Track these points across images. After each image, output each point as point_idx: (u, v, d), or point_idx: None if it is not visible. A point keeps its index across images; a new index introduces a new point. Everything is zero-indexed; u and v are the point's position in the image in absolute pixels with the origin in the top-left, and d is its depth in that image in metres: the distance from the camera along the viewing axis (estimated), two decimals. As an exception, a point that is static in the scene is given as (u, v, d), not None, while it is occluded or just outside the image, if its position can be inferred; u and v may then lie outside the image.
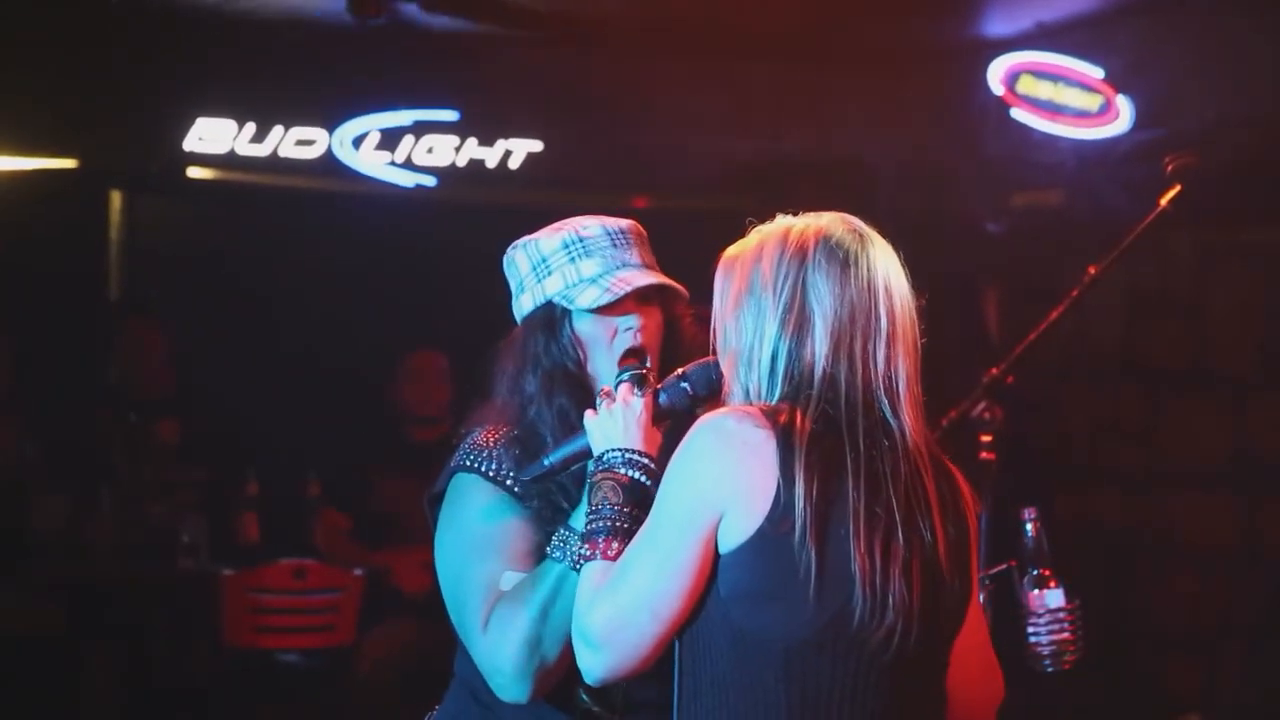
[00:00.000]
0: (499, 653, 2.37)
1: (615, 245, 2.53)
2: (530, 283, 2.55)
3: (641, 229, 2.60)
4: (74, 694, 5.59)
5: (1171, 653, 6.26)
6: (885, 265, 2.21)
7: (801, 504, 2.08)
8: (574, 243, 2.52)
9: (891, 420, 2.16)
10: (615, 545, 2.20)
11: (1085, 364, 6.55)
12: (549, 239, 2.54)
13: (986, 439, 3.58)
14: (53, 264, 6.70)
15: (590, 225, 2.55)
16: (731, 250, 2.28)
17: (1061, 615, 3.14)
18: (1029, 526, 3.23)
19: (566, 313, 2.52)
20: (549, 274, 2.52)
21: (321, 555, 5.79)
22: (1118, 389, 6.52)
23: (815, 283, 2.18)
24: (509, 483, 2.48)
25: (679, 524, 2.13)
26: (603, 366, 2.52)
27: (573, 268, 2.51)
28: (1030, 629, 3.18)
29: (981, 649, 2.37)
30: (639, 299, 2.51)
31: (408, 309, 6.84)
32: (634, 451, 2.28)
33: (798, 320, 2.18)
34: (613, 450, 2.30)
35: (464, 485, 2.52)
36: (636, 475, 2.26)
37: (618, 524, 2.23)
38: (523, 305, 2.57)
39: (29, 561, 5.62)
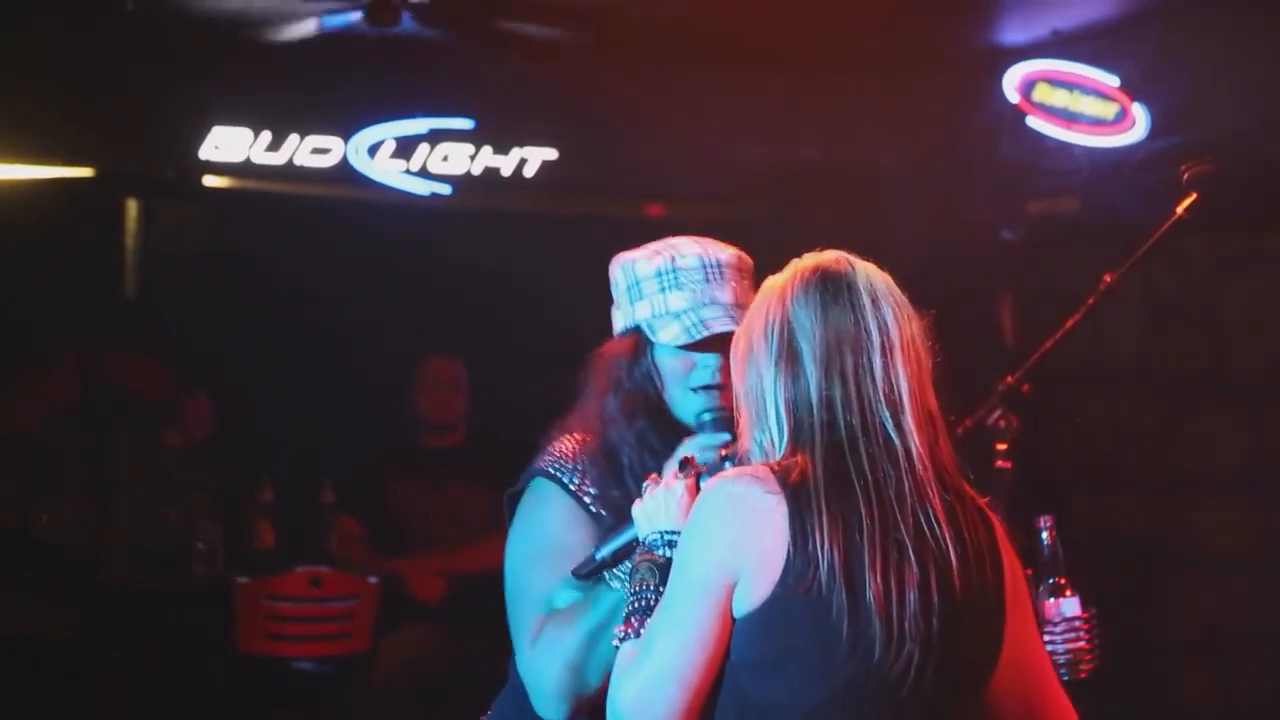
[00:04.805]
0: (543, 672, 2.40)
1: (708, 280, 2.54)
2: (623, 302, 2.58)
3: (745, 260, 2.59)
4: (87, 701, 5.59)
5: (1189, 661, 6.23)
6: (870, 283, 2.22)
7: (825, 567, 2.07)
8: (667, 272, 2.54)
9: (894, 436, 2.16)
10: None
11: (1102, 372, 6.53)
12: (646, 262, 2.56)
13: (1002, 447, 3.58)
14: (69, 272, 6.71)
15: (688, 254, 2.56)
16: (740, 326, 2.30)
17: (1077, 624, 3.13)
18: (1044, 535, 3.22)
19: (650, 341, 2.54)
20: (640, 298, 2.55)
21: (336, 562, 5.79)
22: (1135, 397, 6.50)
23: (797, 317, 2.19)
24: (587, 500, 2.50)
25: (693, 592, 2.13)
26: (678, 399, 2.54)
27: (661, 298, 2.53)
28: (1046, 638, 3.16)
29: (1042, 683, 2.36)
30: (721, 338, 2.50)
31: (423, 316, 6.83)
32: (673, 533, 2.27)
33: (789, 357, 2.19)
34: (654, 532, 2.30)
35: (543, 491, 2.54)
36: (672, 555, 2.24)
37: (654, 603, 2.22)
38: (616, 320, 2.61)
39: (43, 566, 5.62)
